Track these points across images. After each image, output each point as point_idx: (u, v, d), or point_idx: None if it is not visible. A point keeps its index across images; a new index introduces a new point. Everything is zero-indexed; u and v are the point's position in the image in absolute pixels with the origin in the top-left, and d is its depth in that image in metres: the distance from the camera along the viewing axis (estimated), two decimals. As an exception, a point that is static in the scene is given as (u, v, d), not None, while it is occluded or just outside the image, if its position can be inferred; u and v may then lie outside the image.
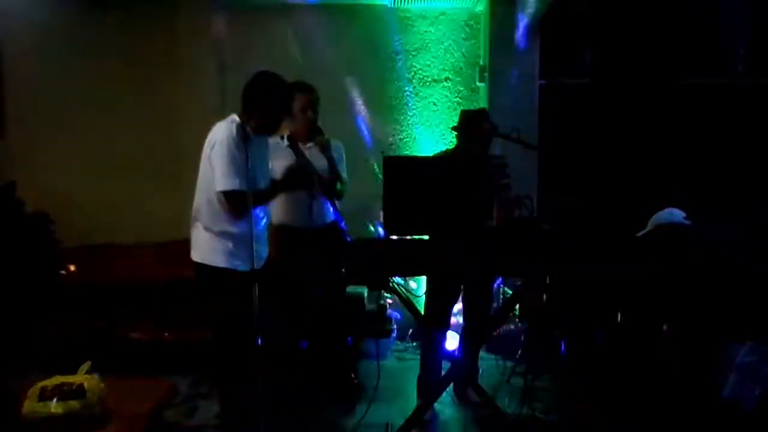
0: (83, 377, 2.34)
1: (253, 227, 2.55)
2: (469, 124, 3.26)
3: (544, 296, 3.33)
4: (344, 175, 3.35)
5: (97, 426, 2.23)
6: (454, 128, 3.38)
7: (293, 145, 3.19)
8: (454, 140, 3.51)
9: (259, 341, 2.51)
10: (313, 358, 3.46)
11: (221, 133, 2.62)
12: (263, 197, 2.71)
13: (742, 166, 4.10)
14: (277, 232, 3.18)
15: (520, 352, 3.69)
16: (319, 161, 3.21)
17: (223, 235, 2.68)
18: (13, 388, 2.64)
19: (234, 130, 2.58)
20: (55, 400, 2.17)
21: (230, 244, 2.69)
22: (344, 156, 3.41)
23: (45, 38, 4.35)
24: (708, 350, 2.67)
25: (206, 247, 2.71)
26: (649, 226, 3.00)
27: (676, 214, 2.98)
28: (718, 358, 2.61)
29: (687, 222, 2.95)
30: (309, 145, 3.26)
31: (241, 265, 2.66)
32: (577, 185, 4.20)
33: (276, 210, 3.23)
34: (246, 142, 2.53)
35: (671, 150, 4.29)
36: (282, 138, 3.23)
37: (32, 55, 4.39)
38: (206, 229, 2.71)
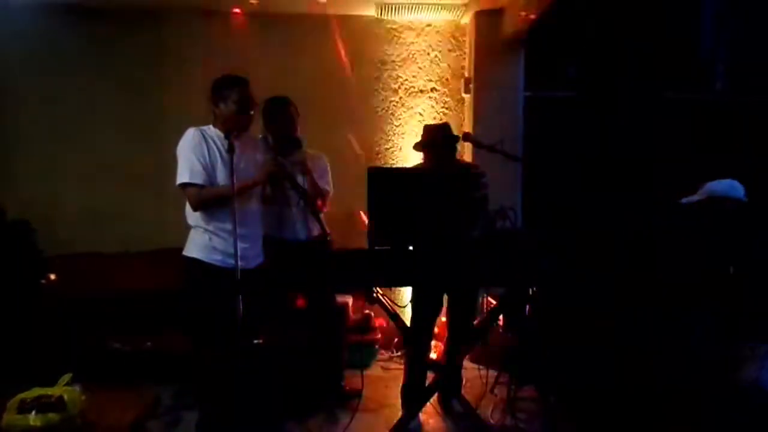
0: (63, 389, 2.32)
1: (238, 226, 2.58)
2: (435, 138, 3.25)
3: (528, 307, 3.35)
4: (328, 187, 3.38)
5: (76, 438, 2.22)
6: (417, 145, 3.35)
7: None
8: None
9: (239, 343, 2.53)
10: (303, 365, 3.46)
11: (183, 136, 2.78)
12: (226, 190, 2.67)
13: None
14: (264, 243, 3.19)
15: (504, 362, 3.71)
16: (301, 174, 3.23)
17: (198, 228, 2.78)
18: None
19: (194, 132, 2.76)
20: (33, 412, 2.15)
21: (207, 238, 2.76)
22: (328, 167, 3.44)
23: (29, 46, 4.32)
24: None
25: (188, 240, 2.82)
26: (700, 195, 2.73)
27: (737, 188, 2.67)
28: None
29: (745, 200, 2.66)
30: (290, 158, 3.28)
31: (220, 261, 2.72)
32: (560, 196, 4.24)
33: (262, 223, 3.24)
34: (209, 143, 2.73)
35: (653, 162, 4.36)
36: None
37: (16, 63, 4.34)
38: (189, 226, 2.83)
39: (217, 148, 2.75)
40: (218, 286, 2.63)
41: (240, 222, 2.64)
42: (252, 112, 2.85)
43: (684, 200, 2.80)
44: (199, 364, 2.91)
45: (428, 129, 3.36)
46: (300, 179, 3.17)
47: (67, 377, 2.42)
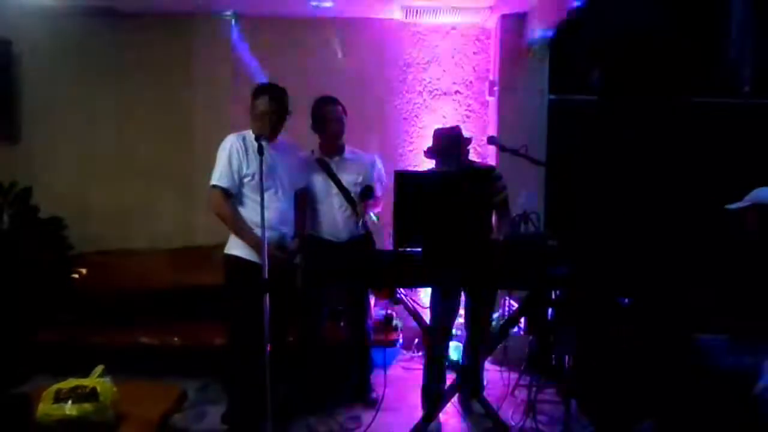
0: (96, 381, 2.38)
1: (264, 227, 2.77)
2: (443, 143, 3.23)
3: (550, 310, 3.36)
4: (379, 191, 3.44)
5: (109, 429, 2.28)
6: (427, 152, 3.32)
7: (320, 160, 3.29)
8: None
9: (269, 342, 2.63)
10: (334, 363, 3.58)
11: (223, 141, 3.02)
12: (238, 223, 2.97)
13: (746, 184, 4.13)
14: (308, 242, 3.28)
15: (525, 364, 3.72)
16: (347, 175, 3.31)
17: None
18: (25, 390, 2.70)
19: (232, 138, 2.99)
20: (69, 402, 2.22)
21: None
22: (376, 170, 3.51)
23: (62, 46, 4.43)
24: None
25: (230, 238, 3.05)
26: (746, 201, 2.72)
27: None
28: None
29: None
30: (336, 158, 3.36)
31: (257, 257, 2.87)
32: (584, 201, 4.22)
33: (308, 221, 3.36)
34: (248, 147, 2.94)
35: (679, 167, 4.32)
36: (312, 152, 3.36)
37: (49, 63, 4.46)
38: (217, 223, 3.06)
39: (254, 152, 2.88)
40: (255, 282, 2.77)
41: (269, 223, 2.79)
42: (280, 119, 2.99)
43: (730, 206, 2.77)
44: (230, 358, 3.01)
45: (437, 134, 3.31)
46: (347, 180, 3.25)
47: (99, 369, 2.48)
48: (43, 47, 4.42)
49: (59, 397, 2.24)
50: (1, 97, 4.32)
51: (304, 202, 3.27)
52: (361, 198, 3.25)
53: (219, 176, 2.94)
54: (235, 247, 3.00)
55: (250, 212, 2.96)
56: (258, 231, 2.87)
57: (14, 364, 3.63)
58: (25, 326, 3.80)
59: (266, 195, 2.82)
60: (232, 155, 2.94)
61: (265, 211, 2.76)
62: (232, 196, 2.98)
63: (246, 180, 2.97)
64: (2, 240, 4.03)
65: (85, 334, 3.80)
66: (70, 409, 2.21)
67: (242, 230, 2.95)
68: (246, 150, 2.95)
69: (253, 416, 2.92)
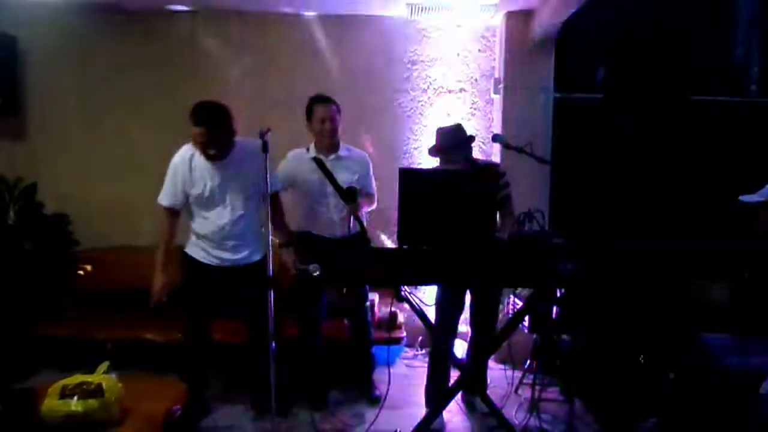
0: (101, 377, 2.39)
1: (209, 238, 3.06)
2: (445, 141, 3.22)
3: (554, 308, 3.36)
4: (371, 190, 3.47)
5: (114, 425, 2.29)
6: (431, 150, 3.30)
7: (316, 158, 3.28)
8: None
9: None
10: (335, 360, 3.60)
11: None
12: (161, 240, 3.17)
13: (752, 182, 4.12)
14: (299, 239, 3.27)
15: (528, 362, 3.72)
16: (342, 173, 3.29)
17: (193, 231, 3.18)
18: (31, 385, 2.71)
19: (177, 159, 3.11)
20: (75, 398, 2.23)
21: (194, 237, 3.16)
22: (370, 169, 3.52)
23: (67, 43, 4.44)
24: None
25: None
26: (759, 196, 2.67)
27: None
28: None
29: None
30: (331, 156, 3.35)
31: (203, 257, 3.12)
32: (588, 199, 4.22)
33: (298, 218, 3.35)
34: (195, 158, 3.05)
35: (683, 166, 4.31)
36: (307, 150, 3.36)
37: (54, 60, 4.47)
38: None
39: (201, 171, 3.03)
40: (200, 277, 3.09)
41: (213, 231, 3.03)
42: (221, 140, 3.04)
43: (743, 198, 2.72)
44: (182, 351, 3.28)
45: (440, 132, 3.28)
46: (342, 178, 3.25)
47: (104, 366, 2.49)
48: (48, 44, 4.42)
49: (65, 393, 2.25)
50: (6, 94, 4.32)
51: (276, 203, 3.19)
52: (346, 201, 3.17)
53: (163, 194, 3.10)
54: (188, 246, 3.16)
55: (198, 226, 3.10)
56: (205, 243, 3.08)
57: (19, 360, 3.65)
58: (29, 322, 3.82)
59: (213, 212, 3.00)
60: (176, 176, 3.05)
61: (210, 226, 2.99)
62: (176, 213, 3.13)
63: (191, 199, 3.07)
64: (7, 236, 4.04)
65: (90, 330, 3.81)
66: (75, 405, 2.21)
67: (159, 247, 3.13)
68: (191, 170, 3.02)
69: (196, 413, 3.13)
